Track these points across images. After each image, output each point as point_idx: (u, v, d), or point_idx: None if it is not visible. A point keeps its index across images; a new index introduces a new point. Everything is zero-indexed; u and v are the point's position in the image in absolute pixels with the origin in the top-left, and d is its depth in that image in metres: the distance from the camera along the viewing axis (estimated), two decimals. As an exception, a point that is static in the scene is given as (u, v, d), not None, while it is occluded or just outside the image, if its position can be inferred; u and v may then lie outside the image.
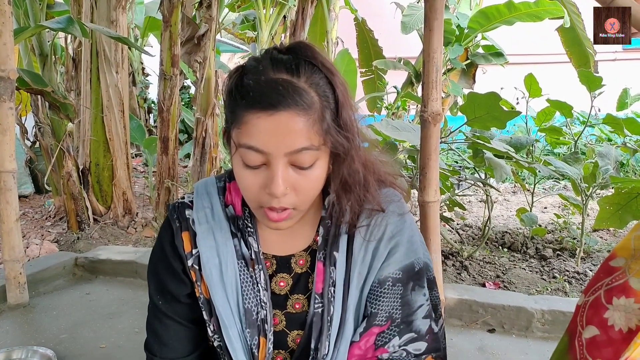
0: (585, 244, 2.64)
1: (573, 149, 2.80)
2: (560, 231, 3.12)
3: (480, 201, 4.27)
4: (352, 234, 0.80)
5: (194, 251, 0.81)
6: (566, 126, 2.96)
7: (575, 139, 2.80)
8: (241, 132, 0.66)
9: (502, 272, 2.44)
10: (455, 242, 2.89)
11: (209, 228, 0.80)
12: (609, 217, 2.47)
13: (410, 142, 1.90)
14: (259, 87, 0.65)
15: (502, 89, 3.02)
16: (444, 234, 2.73)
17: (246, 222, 0.81)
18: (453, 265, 2.64)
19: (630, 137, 3.09)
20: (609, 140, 5.10)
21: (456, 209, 2.98)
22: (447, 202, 2.87)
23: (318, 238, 0.81)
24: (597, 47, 3.35)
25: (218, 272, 0.79)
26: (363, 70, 4.81)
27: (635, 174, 4.84)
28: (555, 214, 3.34)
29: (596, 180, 2.45)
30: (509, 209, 4.09)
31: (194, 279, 0.81)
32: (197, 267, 0.80)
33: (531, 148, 2.95)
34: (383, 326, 0.78)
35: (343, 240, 0.80)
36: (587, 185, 2.50)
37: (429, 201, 1.69)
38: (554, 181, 5.02)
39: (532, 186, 3.17)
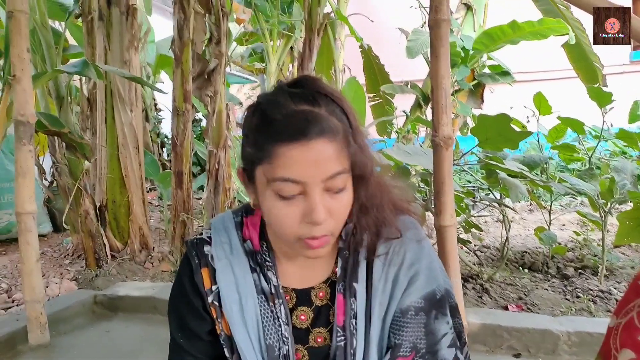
0: (607, 261, 2.59)
1: (587, 165, 2.77)
2: (580, 249, 3.06)
3: (497, 221, 4.21)
4: (370, 263, 0.80)
5: (213, 287, 0.81)
6: (578, 142, 2.94)
7: (589, 154, 2.78)
8: (274, 166, 0.67)
9: (525, 294, 2.39)
10: (474, 265, 2.85)
11: (227, 264, 0.81)
12: (630, 232, 2.42)
13: (423, 166, 1.90)
14: (287, 120, 0.67)
15: (511, 108, 3.02)
16: (462, 257, 2.70)
17: (264, 256, 0.81)
18: (473, 288, 2.59)
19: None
20: (624, 153, 5.04)
21: (473, 230, 2.95)
22: (464, 223, 2.85)
23: (337, 269, 0.81)
24: (604, 61, 3.35)
25: (238, 308, 0.79)
26: (371, 95, 4.87)
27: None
28: (574, 231, 3.28)
29: (614, 196, 2.41)
30: (526, 227, 4.04)
31: (215, 316, 0.81)
32: (217, 304, 0.80)
33: (545, 166, 2.93)
34: (408, 357, 0.77)
35: (362, 271, 0.80)
36: (604, 201, 2.46)
37: (446, 225, 1.68)
38: (571, 197, 4.95)
39: (549, 204, 3.13)
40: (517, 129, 1.90)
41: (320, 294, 0.82)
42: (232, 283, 0.80)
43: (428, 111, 4.25)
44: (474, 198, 2.58)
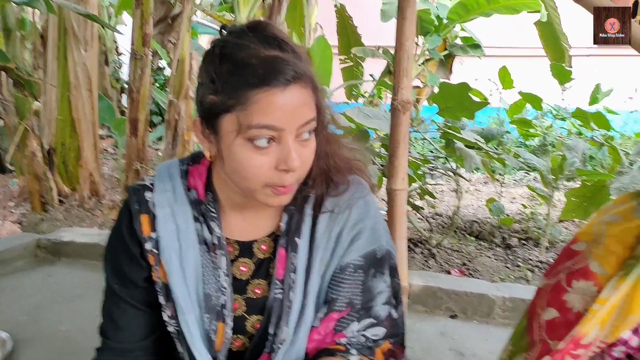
0: (550, 234, 2.71)
1: (543, 142, 2.84)
2: (527, 221, 3.19)
3: (453, 190, 4.32)
4: (316, 219, 0.79)
5: (152, 234, 0.79)
6: (537, 119, 3.01)
7: (544, 131, 2.85)
8: (249, 112, 0.64)
9: (469, 260, 2.48)
10: (425, 230, 2.93)
11: (170, 212, 0.79)
12: (575, 209, 2.54)
13: (381, 130, 1.90)
14: (263, 64, 0.64)
15: (476, 80, 3.05)
16: (413, 222, 2.76)
17: (209, 206, 0.79)
18: (422, 252, 2.67)
19: (599, 132, 3.16)
20: (580, 134, 5.22)
21: (427, 197, 3.01)
22: (419, 190, 2.90)
23: (281, 224, 0.80)
24: (573, 43, 3.40)
25: (177, 257, 0.78)
26: (342, 57, 4.78)
27: (602, 167, 4.98)
28: (522, 204, 3.41)
29: (563, 173, 2.50)
30: (479, 198, 4.16)
31: (152, 263, 0.79)
32: (155, 251, 0.78)
33: (502, 139, 2.99)
34: (343, 312, 0.78)
35: (306, 226, 0.79)
36: (554, 177, 2.55)
37: (396, 189, 1.69)
38: (525, 173, 5.12)
39: (502, 177, 3.22)
40: (475, 100, 1.91)
41: (263, 247, 0.82)
42: (173, 232, 0.78)
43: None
44: (431, 166, 2.62)
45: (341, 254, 0.79)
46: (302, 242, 0.79)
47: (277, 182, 0.68)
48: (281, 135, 0.66)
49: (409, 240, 2.84)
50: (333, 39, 4.84)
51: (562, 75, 2.50)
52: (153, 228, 0.79)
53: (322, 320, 0.79)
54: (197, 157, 0.83)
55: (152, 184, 0.82)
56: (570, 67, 3.32)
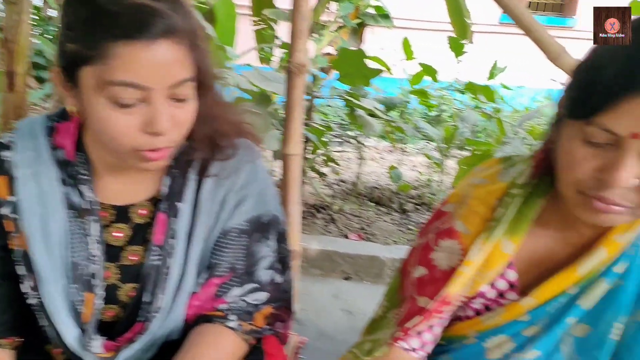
0: (441, 199, 2.89)
1: (438, 113, 3.00)
2: (423, 187, 3.39)
3: (359, 158, 4.45)
4: (200, 184, 0.76)
5: (10, 198, 0.71)
6: (434, 90, 3.16)
7: (442, 102, 3.00)
8: (110, 67, 0.58)
9: (367, 225, 2.59)
10: (328, 197, 2.99)
11: (31, 173, 0.71)
12: (465, 176, 2.73)
13: (278, 93, 1.87)
14: (127, 13, 0.57)
15: (382, 49, 3.11)
16: (316, 188, 2.81)
17: (80, 168, 0.72)
18: (323, 218, 2.73)
19: (491, 105, 3.40)
20: (477, 107, 5.59)
21: (332, 164, 3.07)
22: (324, 157, 2.94)
23: (163, 187, 0.75)
24: (476, 20, 3.55)
25: (39, 223, 0.71)
26: (256, 19, 4.61)
27: (491, 138, 5.39)
28: (419, 171, 3.60)
29: (454, 142, 2.67)
30: (383, 166, 4.32)
31: (10, 230, 0.72)
32: (13, 216, 0.71)
33: (405, 109, 3.11)
34: (224, 277, 0.76)
35: (190, 190, 0.76)
36: (446, 146, 2.71)
37: (291, 153, 1.68)
38: (427, 142, 5.39)
39: (405, 145, 3.36)
40: (376, 66, 1.94)
41: (142, 211, 0.77)
42: (34, 195, 0.71)
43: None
44: (332, 132, 2.65)
45: (225, 218, 0.76)
46: (185, 207, 0.75)
47: (145, 146, 0.63)
48: (149, 95, 0.60)
49: (312, 206, 2.89)
50: None
51: (457, 48, 2.63)
52: (11, 191, 0.71)
53: (202, 286, 0.76)
54: (66, 113, 0.74)
55: (11, 142, 0.73)
56: (472, 42, 3.50)
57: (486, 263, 0.69)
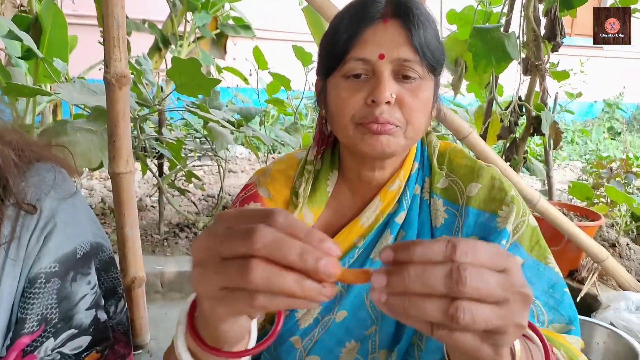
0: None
1: (294, 121, 3.04)
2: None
3: (229, 171, 4.34)
4: None
5: None
6: (287, 98, 3.20)
7: (295, 110, 3.05)
8: None
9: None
10: (192, 214, 2.85)
11: None
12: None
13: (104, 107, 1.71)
14: None
15: (234, 59, 3.06)
16: (175, 207, 2.65)
17: None
18: (187, 237, 2.59)
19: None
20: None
21: (194, 180, 2.93)
22: (184, 173, 2.79)
23: None
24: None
25: None
26: (102, 29, 4.27)
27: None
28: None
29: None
30: (253, 177, 4.28)
31: None
32: None
33: (263, 118, 3.09)
34: (36, 332, 0.63)
35: None
36: (305, 152, 2.75)
37: (120, 172, 1.55)
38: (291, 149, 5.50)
39: (273, 153, 3.34)
40: (208, 77, 1.87)
41: None
42: None
43: (167, 56, 4.02)
44: (184, 147, 2.54)
45: (30, 263, 0.63)
46: None
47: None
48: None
49: (175, 225, 2.73)
50: (91, 9, 4.27)
51: (304, 57, 2.69)
52: None
53: (10, 349, 0.62)
54: None
55: None
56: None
57: None
